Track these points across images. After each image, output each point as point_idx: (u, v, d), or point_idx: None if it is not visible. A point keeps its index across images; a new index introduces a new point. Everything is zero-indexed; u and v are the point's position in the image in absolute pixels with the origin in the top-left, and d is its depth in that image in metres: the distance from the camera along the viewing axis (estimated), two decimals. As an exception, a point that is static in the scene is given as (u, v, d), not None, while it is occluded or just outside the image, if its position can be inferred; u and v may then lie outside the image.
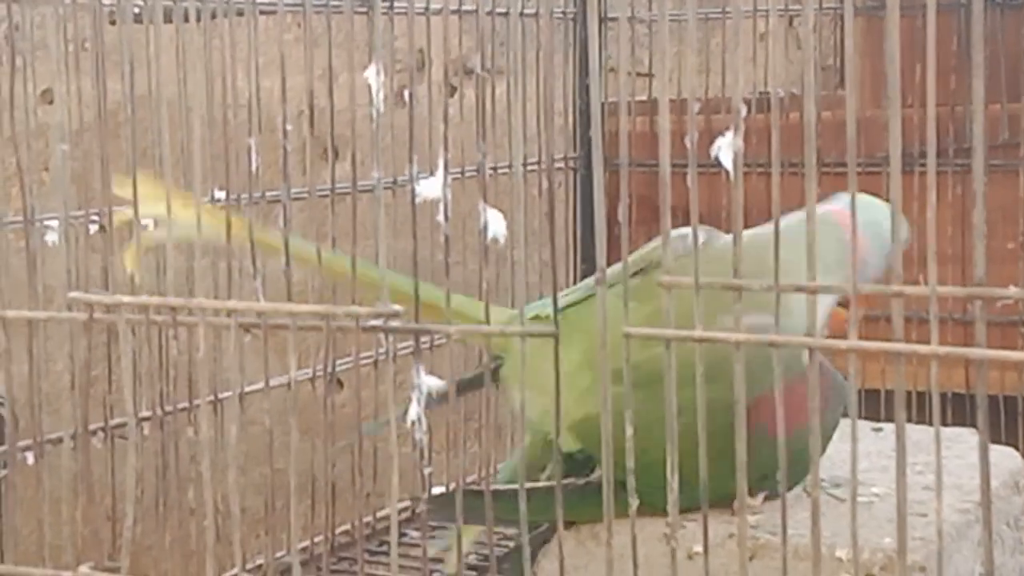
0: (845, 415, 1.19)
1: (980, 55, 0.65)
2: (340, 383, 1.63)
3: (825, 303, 1.16)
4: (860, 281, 0.69)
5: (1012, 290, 0.65)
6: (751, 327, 0.70)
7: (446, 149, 0.75)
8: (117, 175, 0.90)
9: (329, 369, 1.39)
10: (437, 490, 1.49)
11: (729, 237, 1.17)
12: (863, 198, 1.02)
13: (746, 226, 0.87)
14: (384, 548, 1.46)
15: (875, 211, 1.15)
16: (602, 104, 2.00)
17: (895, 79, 0.67)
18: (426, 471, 0.74)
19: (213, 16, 1.14)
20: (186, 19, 0.88)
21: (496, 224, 0.81)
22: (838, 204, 1.21)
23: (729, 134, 0.70)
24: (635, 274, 1.18)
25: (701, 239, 1.17)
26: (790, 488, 1.12)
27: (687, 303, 0.72)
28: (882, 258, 1.22)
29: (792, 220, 0.78)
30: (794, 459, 0.72)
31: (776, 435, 0.70)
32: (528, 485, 0.81)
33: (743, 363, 0.70)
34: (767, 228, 0.74)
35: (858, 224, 0.73)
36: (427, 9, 1.54)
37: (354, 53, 0.93)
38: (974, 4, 0.65)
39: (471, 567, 1.42)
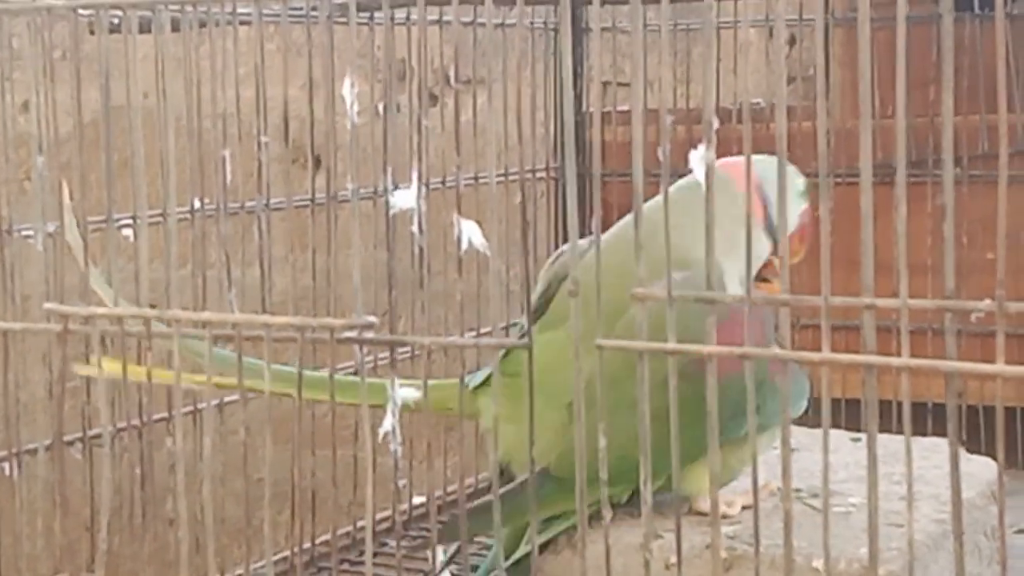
0: (814, 427, 1.19)
1: (950, 68, 0.65)
2: (322, 393, 1.63)
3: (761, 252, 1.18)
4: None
5: (985, 302, 0.65)
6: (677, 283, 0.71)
7: (420, 160, 0.75)
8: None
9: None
10: (417, 500, 1.50)
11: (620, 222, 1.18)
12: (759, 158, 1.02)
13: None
14: (364, 558, 1.46)
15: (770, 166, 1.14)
16: (583, 114, 2.01)
17: (867, 90, 0.68)
18: (401, 482, 0.74)
19: (192, 26, 1.14)
20: (163, 29, 0.88)
21: (473, 234, 0.81)
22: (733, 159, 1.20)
23: (702, 147, 0.70)
24: (548, 301, 1.18)
25: (585, 243, 1.17)
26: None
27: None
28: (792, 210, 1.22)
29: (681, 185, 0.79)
30: (735, 400, 0.73)
31: (724, 374, 0.71)
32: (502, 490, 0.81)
33: (715, 376, 0.70)
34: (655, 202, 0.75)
35: (758, 181, 0.74)
36: (408, 19, 1.54)
37: (335, 64, 0.93)
38: (944, 19, 0.65)
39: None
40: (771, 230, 1.20)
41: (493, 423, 0.84)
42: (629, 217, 0.68)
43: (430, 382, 0.87)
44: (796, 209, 1.25)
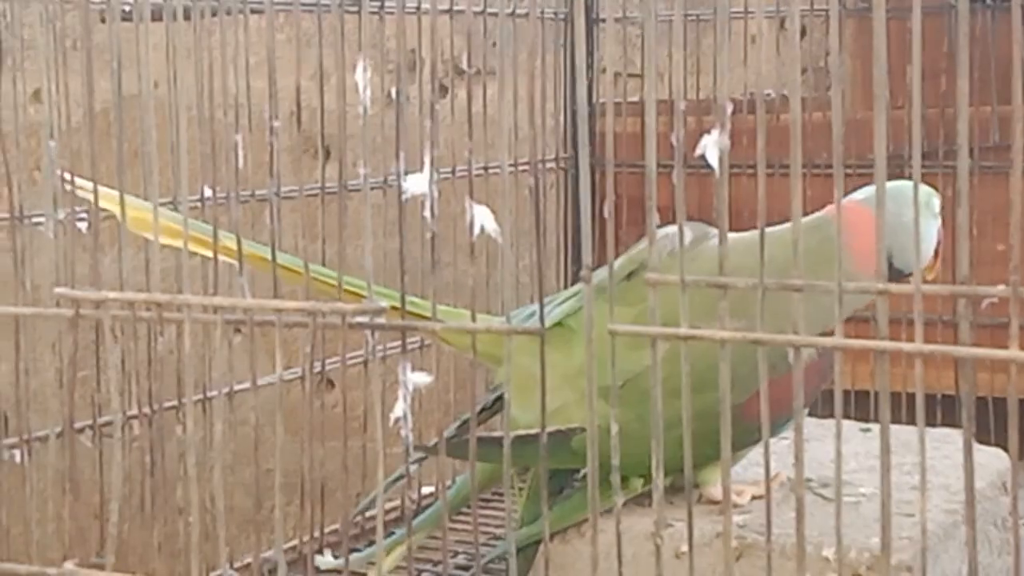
0: (824, 417, 1.20)
1: (966, 54, 0.65)
2: (331, 383, 1.63)
3: None
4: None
5: (998, 288, 0.65)
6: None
7: (433, 145, 0.75)
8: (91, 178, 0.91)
9: (316, 367, 1.40)
10: (427, 489, 1.50)
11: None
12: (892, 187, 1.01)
13: (734, 227, 0.88)
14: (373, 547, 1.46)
15: (900, 200, 1.13)
16: (594, 104, 2.01)
17: (882, 77, 0.67)
18: (412, 468, 0.74)
19: (203, 15, 1.14)
20: (175, 17, 0.87)
21: (486, 220, 0.81)
22: (859, 198, 1.21)
23: (715, 132, 0.70)
24: (628, 276, 1.18)
25: (690, 236, 1.19)
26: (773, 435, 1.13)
27: (677, 305, 0.71)
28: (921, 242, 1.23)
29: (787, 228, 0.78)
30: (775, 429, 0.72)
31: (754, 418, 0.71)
32: (515, 433, 0.81)
33: (728, 361, 0.70)
34: (768, 230, 0.74)
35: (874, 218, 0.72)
36: (419, 8, 1.54)
37: (345, 53, 0.93)
38: (960, 4, 0.65)
39: (459, 566, 1.42)
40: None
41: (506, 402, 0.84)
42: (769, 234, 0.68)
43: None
44: (932, 231, 1.26)
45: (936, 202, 1.26)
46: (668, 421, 0.72)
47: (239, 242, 0.84)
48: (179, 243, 0.84)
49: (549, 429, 1.10)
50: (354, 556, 1.23)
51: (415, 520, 1.22)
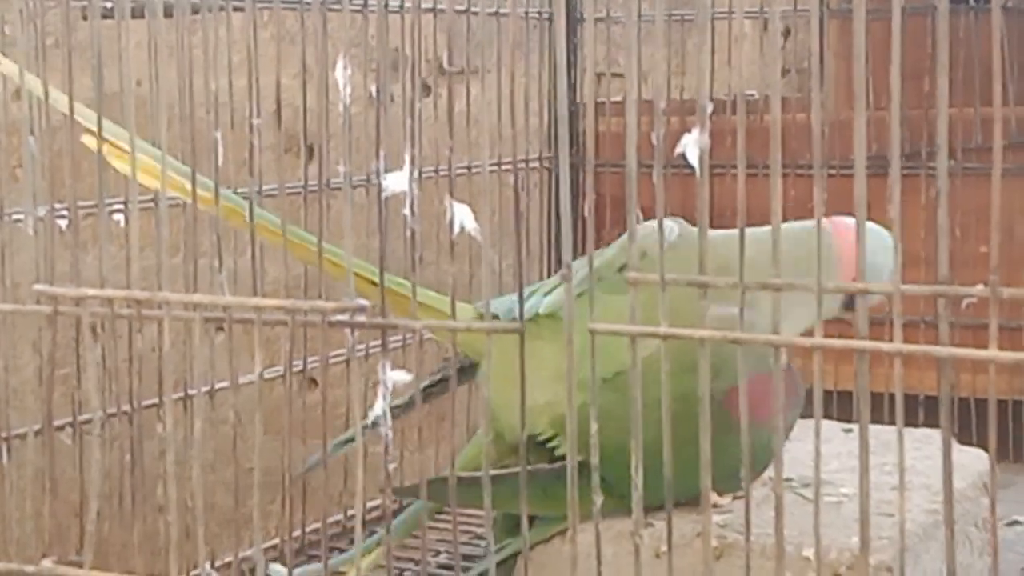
0: (806, 417, 1.20)
1: (945, 54, 0.65)
2: (314, 382, 1.62)
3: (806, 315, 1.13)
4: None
5: (977, 288, 0.65)
6: (721, 316, 0.70)
7: (413, 144, 0.75)
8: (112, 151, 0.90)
9: (296, 365, 1.39)
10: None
11: (712, 232, 1.18)
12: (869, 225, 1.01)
13: (716, 227, 0.88)
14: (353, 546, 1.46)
15: (875, 244, 1.13)
16: (577, 104, 2.00)
17: (862, 78, 0.67)
18: (391, 467, 0.74)
19: (185, 12, 1.14)
20: (156, 15, 0.87)
21: (466, 218, 0.80)
22: (841, 220, 1.22)
23: (695, 131, 0.70)
24: (620, 269, 1.18)
25: (676, 231, 1.19)
26: (756, 476, 1.13)
27: (674, 296, 0.71)
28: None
29: (786, 228, 0.78)
30: (761, 449, 0.73)
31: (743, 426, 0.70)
32: (493, 472, 0.81)
33: (708, 359, 0.70)
34: (758, 229, 0.74)
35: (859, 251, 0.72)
36: (402, 7, 1.54)
37: (328, 51, 0.93)
38: (940, 4, 0.65)
39: (441, 565, 1.42)
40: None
41: (488, 401, 0.84)
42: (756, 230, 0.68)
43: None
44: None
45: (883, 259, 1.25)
46: (652, 407, 0.71)
47: (216, 187, 0.84)
48: (155, 181, 0.83)
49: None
50: (332, 561, 1.23)
51: (395, 520, 1.22)
